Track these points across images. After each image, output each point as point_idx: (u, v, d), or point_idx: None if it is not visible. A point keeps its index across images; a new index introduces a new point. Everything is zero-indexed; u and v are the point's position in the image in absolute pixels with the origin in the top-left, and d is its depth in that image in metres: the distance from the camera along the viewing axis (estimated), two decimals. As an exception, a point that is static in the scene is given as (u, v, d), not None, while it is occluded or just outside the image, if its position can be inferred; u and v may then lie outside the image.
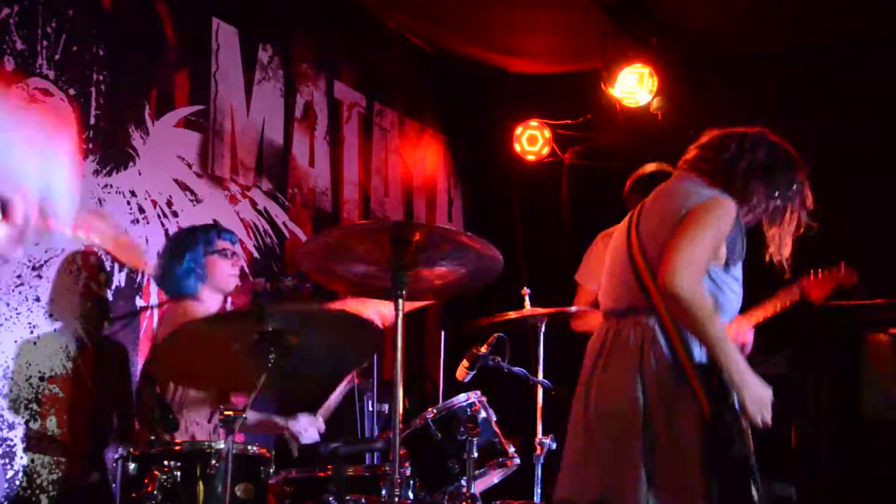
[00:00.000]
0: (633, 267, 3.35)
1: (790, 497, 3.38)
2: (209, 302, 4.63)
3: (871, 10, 6.23)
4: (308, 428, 4.62)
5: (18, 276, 4.58)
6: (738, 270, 3.36)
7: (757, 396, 3.16)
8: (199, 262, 4.59)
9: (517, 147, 7.39)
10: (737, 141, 3.46)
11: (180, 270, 4.58)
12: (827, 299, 5.03)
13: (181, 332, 3.72)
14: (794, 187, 3.45)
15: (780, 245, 3.44)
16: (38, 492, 4.57)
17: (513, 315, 4.76)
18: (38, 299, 4.65)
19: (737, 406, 3.15)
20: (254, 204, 5.88)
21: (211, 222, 5.38)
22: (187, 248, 4.60)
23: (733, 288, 3.34)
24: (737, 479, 3.09)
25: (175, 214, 5.33)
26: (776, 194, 3.43)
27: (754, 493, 3.07)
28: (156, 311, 4.71)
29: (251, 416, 3.74)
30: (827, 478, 6.07)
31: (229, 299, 5.24)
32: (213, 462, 3.62)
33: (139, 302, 4.99)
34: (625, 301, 3.42)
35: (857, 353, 6.26)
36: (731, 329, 4.43)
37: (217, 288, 4.66)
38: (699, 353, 3.20)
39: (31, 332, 4.61)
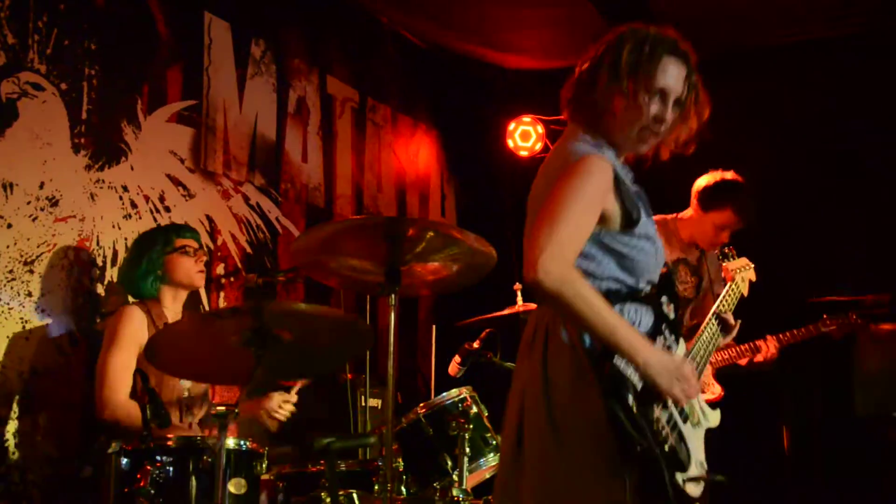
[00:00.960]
0: None
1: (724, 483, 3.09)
2: (170, 302, 4.64)
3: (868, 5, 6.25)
4: (283, 405, 4.62)
5: (10, 272, 4.58)
6: (643, 227, 2.91)
7: (667, 370, 2.73)
8: (157, 262, 4.61)
9: (510, 143, 7.40)
10: (592, 61, 3.01)
11: (138, 272, 4.62)
12: None
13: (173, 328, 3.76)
14: (677, 76, 2.92)
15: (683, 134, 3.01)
16: (30, 487, 4.58)
17: (506, 312, 4.78)
18: (29, 294, 4.65)
19: (630, 394, 2.72)
20: (246, 199, 5.89)
21: (199, 224, 5.43)
22: (145, 250, 4.63)
23: (643, 247, 2.91)
24: (651, 477, 2.68)
25: (168, 209, 5.34)
26: (657, 94, 2.90)
27: (680, 480, 2.75)
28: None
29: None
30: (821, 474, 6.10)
31: (222, 294, 5.27)
32: (206, 457, 3.62)
33: (131, 297, 5.00)
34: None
35: (849, 350, 6.28)
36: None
37: (180, 286, 4.66)
38: (588, 342, 2.80)
39: (23, 327, 4.61)
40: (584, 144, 2.93)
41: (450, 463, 4.02)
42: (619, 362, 2.71)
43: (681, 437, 2.84)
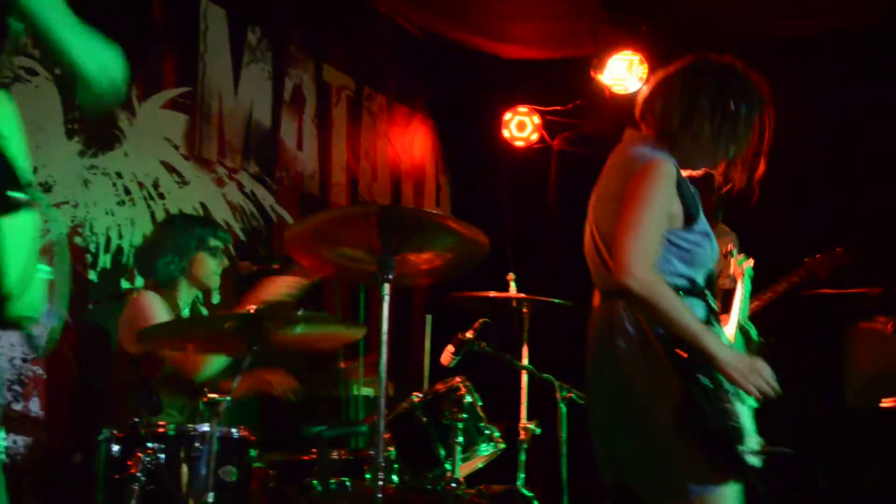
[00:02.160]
0: (597, 250, 3.25)
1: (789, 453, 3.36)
2: (181, 294, 4.60)
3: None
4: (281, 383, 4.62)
5: (3, 258, 4.58)
6: (701, 224, 3.16)
7: (742, 367, 3.00)
8: (187, 255, 4.57)
9: (506, 133, 7.40)
10: (686, 85, 3.24)
11: (164, 258, 4.57)
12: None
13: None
14: (745, 116, 3.22)
15: (742, 171, 3.29)
16: (20, 472, 4.59)
17: (493, 294, 4.79)
18: (21, 280, 4.65)
19: (709, 382, 2.98)
20: (241, 187, 5.89)
21: (196, 211, 5.44)
22: (179, 238, 4.58)
23: (701, 243, 3.16)
24: (718, 448, 2.96)
25: (161, 196, 5.34)
26: (736, 137, 3.22)
27: (745, 459, 2.95)
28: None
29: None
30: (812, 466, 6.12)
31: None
32: (197, 445, 3.63)
33: (124, 284, 4.99)
34: (599, 284, 3.32)
35: (841, 342, 6.32)
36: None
37: (198, 283, 4.64)
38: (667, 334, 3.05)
39: (14, 314, 4.63)
40: (651, 150, 3.17)
41: (443, 452, 4.01)
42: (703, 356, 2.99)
43: (740, 419, 3.02)
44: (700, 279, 3.17)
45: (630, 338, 3.12)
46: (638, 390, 3.09)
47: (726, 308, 4.45)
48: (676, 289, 3.06)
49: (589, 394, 3.37)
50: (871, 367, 6.23)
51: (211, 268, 4.63)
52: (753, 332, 4.53)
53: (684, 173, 3.21)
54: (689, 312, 3.01)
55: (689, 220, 3.14)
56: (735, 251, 4.64)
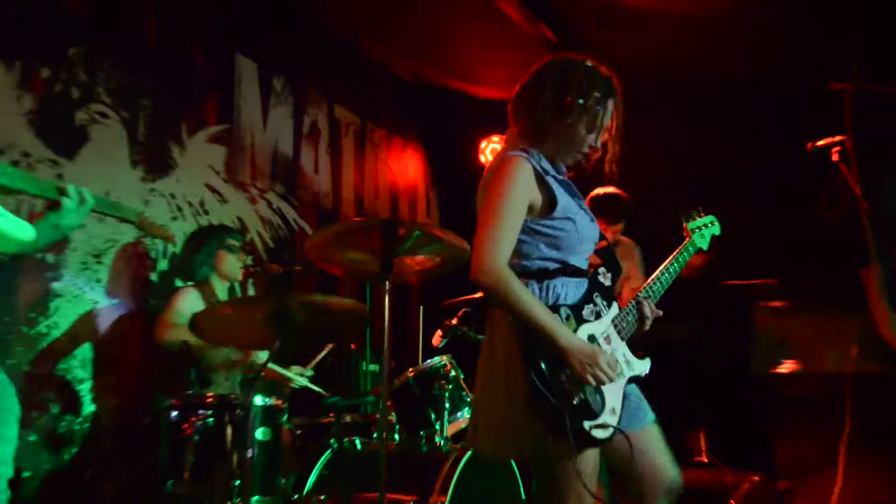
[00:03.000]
0: None
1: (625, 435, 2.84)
2: (216, 287, 4.68)
3: (776, 50, 6.23)
4: (300, 375, 4.67)
5: (84, 263, 4.63)
6: (562, 209, 2.82)
7: (581, 356, 2.66)
8: (212, 255, 4.66)
9: (482, 158, 7.42)
10: (535, 84, 2.96)
11: (196, 261, 4.66)
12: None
13: (214, 310, 3.81)
14: (594, 105, 2.86)
15: (610, 153, 2.94)
16: (103, 433, 4.63)
17: (477, 296, 4.78)
18: (98, 281, 4.70)
19: (543, 362, 2.65)
20: (269, 204, 5.92)
21: (234, 224, 5.46)
22: (204, 244, 4.67)
23: (564, 227, 2.83)
24: (563, 428, 2.60)
25: (206, 212, 5.38)
26: (582, 122, 2.85)
27: (587, 426, 2.66)
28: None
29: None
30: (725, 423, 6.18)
31: (250, 283, 5.31)
32: (239, 411, 3.67)
33: (177, 282, 5.05)
34: None
35: (747, 322, 6.37)
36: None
37: (224, 276, 4.70)
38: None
39: (93, 305, 4.67)
40: (512, 149, 2.86)
41: (433, 416, 4.04)
42: (538, 337, 2.67)
43: (596, 390, 2.73)
44: (574, 260, 2.86)
45: (500, 328, 2.82)
46: (508, 365, 2.74)
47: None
48: (541, 271, 2.80)
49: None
50: (769, 340, 6.31)
51: (231, 262, 4.69)
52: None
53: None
54: (537, 303, 2.69)
55: (550, 208, 2.81)
56: (640, 261, 4.33)
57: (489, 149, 7.41)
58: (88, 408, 4.58)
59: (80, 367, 4.58)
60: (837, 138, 3.99)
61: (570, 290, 2.83)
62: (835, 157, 3.98)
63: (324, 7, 6.02)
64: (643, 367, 2.95)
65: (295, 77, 6.22)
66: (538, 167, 2.82)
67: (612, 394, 2.78)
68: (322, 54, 6.50)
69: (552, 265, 2.83)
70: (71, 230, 2.40)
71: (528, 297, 2.67)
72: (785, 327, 6.31)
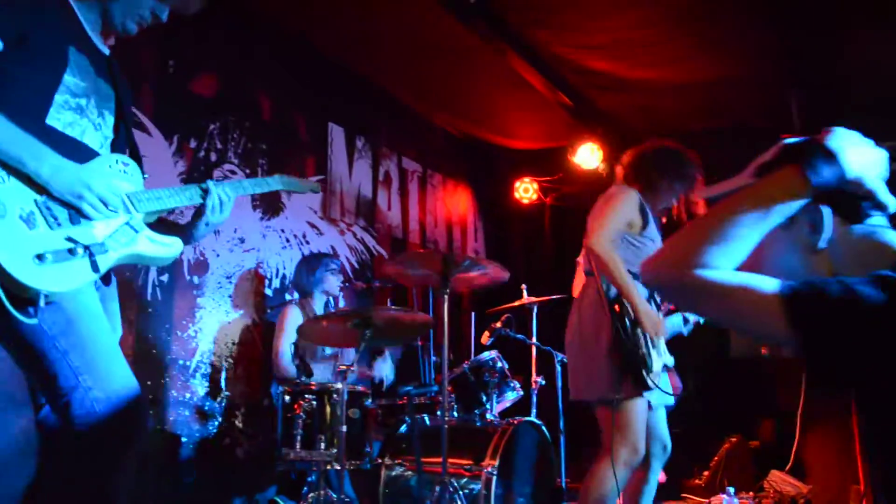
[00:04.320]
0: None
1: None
2: (316, 302, 4.68)
3: (742, 106, 6.13)
4: (381, 368, 4.68)
5: (219, 283, 4.70)
6: (651, 231, 3.23)
7: (649, 316, 3.03)
8: (322, 277, 4.67)
9: (516, 195, 7.40)
10: (644, 157, 3.34)
11: (312, 280, 4.68)
12: None
13: (316, 320, 3.83)
14: (687, 179, 3.32)
15: (695, 210, 3.31)
16: (234, 411, 4.69)
17: (516, 303, 4.80)
18: (230, 296, 4.77)
19: (630, 317, 3.04)
20: (355, 235, 5.92)
21: (328, 251, 5.47)
22: (317, 268, 4.69)
23: (647, 243, 3.21)
24: (631, 368, 3.02)
25: (308, 243, 5.40)
26: (677, 185, 3.31)
27: (644, 374, 3.01)
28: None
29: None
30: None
31: (341, 295, 5.34)
32: (335, 396, 3.69)
33: (287, 297, 5.10)
34: (584, 268, 3.40)
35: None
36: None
37: (326, 292, 4.71)
38: (613, 291, 3.11)
39: (226, 316, 4.73)
40: (625, 187, 3.29)
41: (484, 398, 4.01)
42: (625, 304, 3.04)
43: (650, 353, 3.08)
44: None
45: (591, 296, 3.19)
46: (589, 328, 3.14)
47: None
48: (629, 269, 3.08)
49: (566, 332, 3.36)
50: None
51: (333, 282, 4.70)
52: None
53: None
54: (626, 273, 3.03)
55: (644, 228, 3.21)
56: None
57: (521, 188, 7.38)
58: (224, 391, 4.64)
59: (218, 361, 4.64)
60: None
61: (640, 289, 3.12)
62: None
63: (393, 82, 6.05)
64: (671, 359, 3.28)
65: (372, 137, 6.25)
66: (642, 203, 3.24)
67: (656, 363, 3.11)
68: (392, 119, 6.52)
69: (631, 269, 3.11)
70: (221, 223, 2.28)
71: (623, 270, 3.04)
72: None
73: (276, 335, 4.53)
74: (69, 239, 1.86)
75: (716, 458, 5.85)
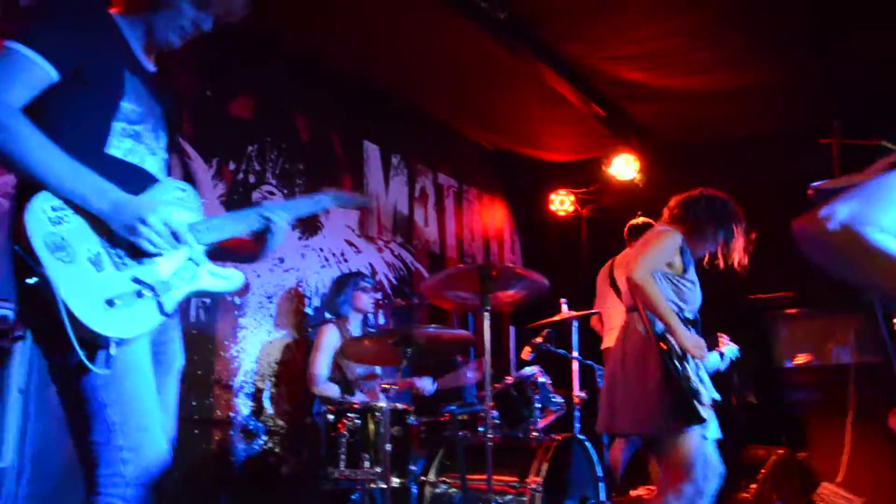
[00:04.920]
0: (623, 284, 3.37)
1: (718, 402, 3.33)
2: (352, 321, 4.67)
3: (778, 113, 6.05)
4: (426, 385, 4.65)
5: (260, 303, 4.73)
6: (691, 274, 3.28)
7: (693, 343, 3.09)
8: (350, 295, 4.67)
9: (552, 207, 7.34)
10: (694, 202, 3.41)
11: (339, 300, 4.68)
12: None
13: (358, 339, 3.84)
14: (731, 229, 3.36)
15: (732, 259, 3.37)
16: (278, 428, 4.70)
17: (556, 318, 4.75)
18: (271, 315, 4.79)
19: (678, 353, 3.08)
20: (392, 252, 5.93)
21: (367, 269, 5.47)
22: (345, 287, 4.70)
23: (688, 286, 3.24)
24: (685, 402, 3.02)
25: (346, 261, 5.41)
26: (721, 234, 3.36)
27: (698, 406, 3.02)
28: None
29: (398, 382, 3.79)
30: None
31: (380, 312, 5.35)
32: (378, 414, 3.68)
33: (327, 316, 5.12)
34: (625, 303, 3.41)
35: (770, 325, 6.23)
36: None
37: (359, 310, 4.71)
38: (659, 328, 3.14)
39: (268, 335, 4.76)
40: (669, 227, 3.34)
41: (527, 414, 3.97)
42: (672, 340, 3.07)
43: (700, 385, 3.11)
44: (686, 313, 3.22)
45: (636, 333, 3.19)
46: (637, 364, 3.14)
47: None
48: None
49: (607, 366, 3.40)
50: (786, 339, 6.16)
51: (365, 300, 4.69)
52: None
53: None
54: (666, 302, 3.08)
55: (684, 271, 3.26)
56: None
57: (558, 200, 7.32)
58: (268, 410, 4.66)
59: (261, 380, 4.67)
60: (832, 185, 3.84)
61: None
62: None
63: (426, 98, 6.07)
64: (715, 394, 3.24)
65: (407, 154, 6.26)
66: (683, 245, 3.29)
67: (705, 394, 3.11)
68: (426, 134, 6.53)
69: (674, 307, 3.16)
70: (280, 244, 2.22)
71: (662, 298, 3.09)
72: (798, 329, 6.11)
73: (312, 354, 4.54)
74: (136, 280, 1.82)
75: (763, 471, 5.72)
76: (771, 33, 4.90)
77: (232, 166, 4.70)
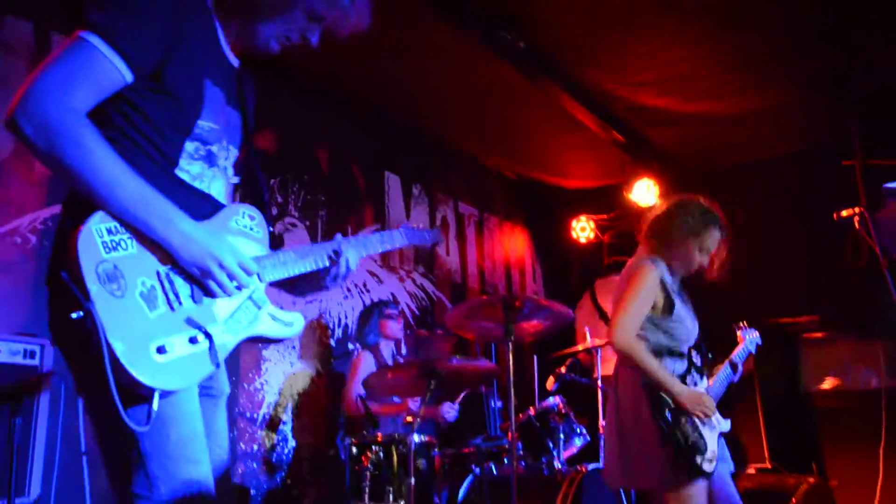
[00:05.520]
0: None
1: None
2: (383, 349, 4.65)
3: (799, 136, 6.04)
4: (448, 411, 4.60)
5: (282, 335, 4.74)
6: (678, 309, 2.94)
7: (691, 399, 2.82)
8: (376, 324, 4.66)
9: (573, 234, 7.30)
10: (666, 213, 3.05)
11: (366, 331, 4.67)
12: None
13: (381, 371, 3.81)
14: (714, 236, 3.00)
15: (717, 269, 3.02)
16: (301, 460, 4.69)
17: (580, 347, 4.72)
18: (293, 347, 4.78)
19: (668, 411, 2.81)
20: (414, 281, 5.93)
21: (383, 298, 5.44)
22: (370, 318, 4.69)
23: (677, 326, 2.93)
24: (683, 459, 2.76)
25: (368, 291, 5.42)
26: (702, 247, 2.98)
27: (699, 460, 2.76)
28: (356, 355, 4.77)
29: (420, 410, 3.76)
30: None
31: (402, 342, 5.33)
32: (402, 447, 3.62)
33: (350, 347, 5.10)
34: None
35: (796, 350, 6.15)
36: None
37: (387, 338, 4.69)
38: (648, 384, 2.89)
39: (291, 367, 4.75)
40: (645, 260, 2.96)
41: (551, 444, 3.94)
42: (664, 392, 2.83)
43: (701, 435, 2.84)
44: (682, 348, 2.96)
45: (626, 381, 2.95)
46: (630, 415, 2.90)
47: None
48: (655, 349, 2.90)
49: (607, 410, 3.13)
50: (812, 363, 6.06)
51: (392, 326, 4.67)
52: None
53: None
54: (656, 362, 2.83)
55: (668, 310, 2.94)
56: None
57: (578, 227, 7.28)
58: (291, 443, 4.64)
59: (284, 412, 4.65)
60: (857, 209, 3.77)
61: (676, 365, 2.95)
62: (856, 225, 3.75)
63: (447, 128, 6.09)
64: (727, 425, 3.02)
65: (428, 184, 6.28)
66: (663, 278, 2.95)
67: (711, 440, 2.87)
68: (447, 164, 6.56)
69: (663, 349, 2.93)
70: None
71: (650, 360, 2.83)
72: (825, 353, 6.02)
73: (347, 381, 4.52)
74: (189, 321, 1.56)
75: (793, 500, 5.60)
76: (790, 55, 4.88)
77: (255, 199, 4.73)
